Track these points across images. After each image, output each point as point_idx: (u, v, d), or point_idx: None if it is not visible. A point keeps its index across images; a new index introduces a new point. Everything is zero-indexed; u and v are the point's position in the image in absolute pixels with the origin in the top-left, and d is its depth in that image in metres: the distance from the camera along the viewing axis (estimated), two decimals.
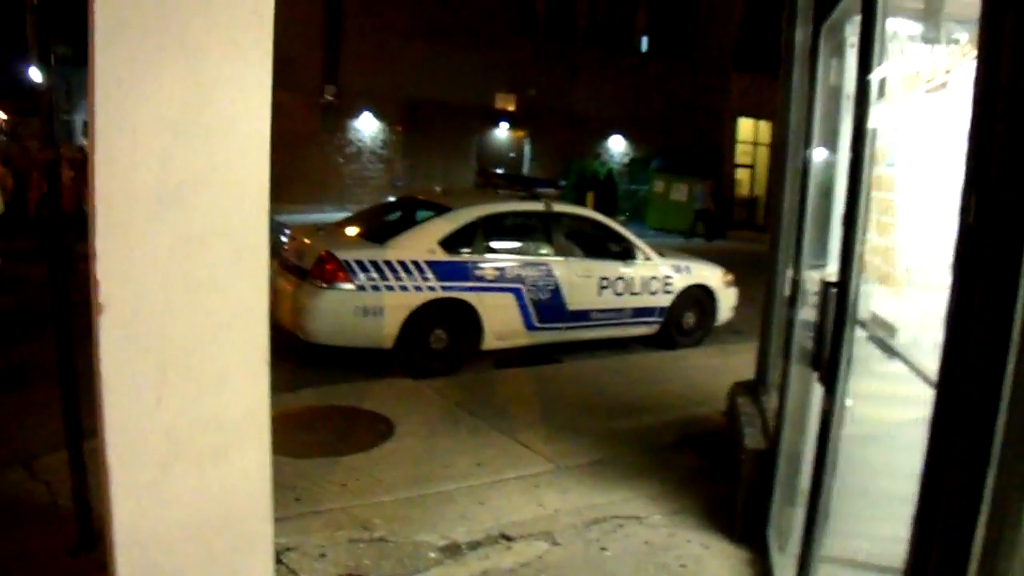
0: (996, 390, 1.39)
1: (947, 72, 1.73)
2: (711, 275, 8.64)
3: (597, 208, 20.73)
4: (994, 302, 1.37)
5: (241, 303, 2.82)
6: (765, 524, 3.61)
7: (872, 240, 2.30)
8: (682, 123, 25.00)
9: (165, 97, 2.57)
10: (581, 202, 21.27)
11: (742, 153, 26.20)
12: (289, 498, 4.08)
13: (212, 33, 2.62)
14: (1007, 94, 1.34)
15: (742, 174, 26.26)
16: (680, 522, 4.00)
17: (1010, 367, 1.37)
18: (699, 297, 8.53)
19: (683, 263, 8.49)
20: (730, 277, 8.78)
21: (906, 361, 1.93)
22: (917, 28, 2.24)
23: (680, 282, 8.29)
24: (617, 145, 25.47)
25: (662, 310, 8.18)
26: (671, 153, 24.06)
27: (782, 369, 3.74)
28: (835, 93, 3.37)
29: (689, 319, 8.50)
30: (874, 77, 2.29)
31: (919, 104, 1.97)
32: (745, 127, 26.02)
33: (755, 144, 25.89)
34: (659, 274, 8.13)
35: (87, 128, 2.64)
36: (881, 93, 2.29)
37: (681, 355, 7.90)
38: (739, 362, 6.36)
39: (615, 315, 7.88)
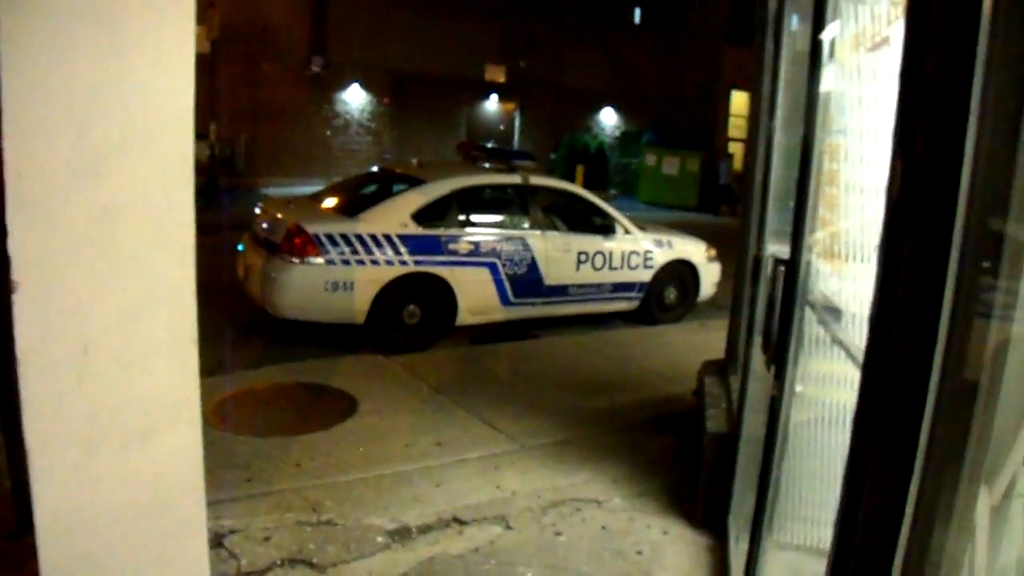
0: (924, 377, 1.26)
1: (888, 25, 1.58)
2: (694, 250, 8.50)
3: (587, 181, 20.65)
4: (921, 286, 1.23)
5: (165, 279, 2.68)
6: (727, 510, 3.50)
7: (819, 214, 2.16)
8: (675, 96, 24.71)
9: (80, 62, 2.42)
10: (571, 175, 21.10)
11: (735, 127, 25.87)
12: (241, 478, 3.97)
13: None
14: (937, 46, 1.19)
15: (735, 148, 25.98)
16: (641, 506, 3.89)
17: (938, 356, 1.23)
18: (681, 272, 8.40)
19: (665, 237, 8.35)
20: (713, 252, 8.64)
21: (844, 347, 1.80)
22: None
23: (661, 257, 8.15)
24: (609, 118, 25.20)
25: (642, 285, 8.05)
26: (663, 127, 23.82)
27: (745, 349, 3.61)
28: (801, 59, 3.21)
29: (670, 294, 8.38)
30: (825, 36, 2.14)
31: (862, 64, 1.83)
32: (738, 101, 25.68)
33: (748, 118, 25.59)
34: (639, 249, 7.99)
35: None
36: (832, 54, 2.14)
37: (660, 331, 7.78)
38: (719, 339, 6.21)
39: (594, 290, 7.75)
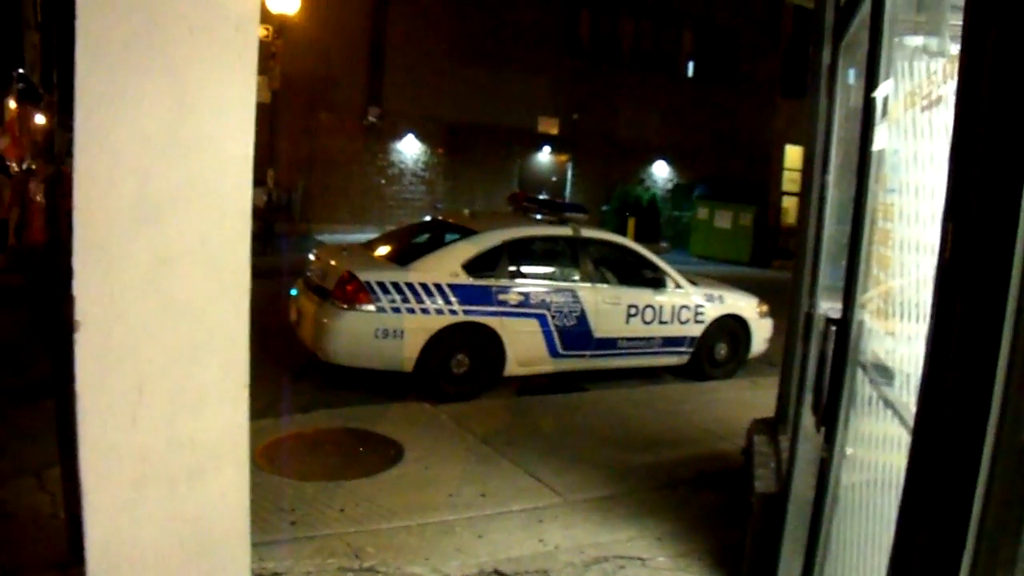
0: (977, 444, 1.23)
1: (941, 85, 1.57)
2: (745, 305, 8.40)
3: (639, 234, 20.65)
4: (973, 350, 1.20)
5: (220, 324, 2.75)
6: (774, 574, 3.40)
7: (872, 273, 2.13)
8: (728, 149, 24.68)
9: (146, 114, 2.53)
10: (623, 228, 21.11)
11: (789, 181, 25.69)
12: (285, 521, 3.99)
13: (195, 50, 2.57)
14: (990, 108, 1.18)
15: (788, 202, 25.74)
16: (686, 566, 3.81)
17: (992, 419, 1.20)
18: (732, 327, 8.29)
19: (716, 292, 8.27)
20: (765, 307, 8.52)
21: (895, 409, 1.76)
22: (930, 43, 2.08)
23: (712, 311, 8.06)
24: (661, 171, 25.24)
25: (692, 340, 7.96)
26: (716, 180, 23.76)
27: (795, 408, 3.54)
28: (855, 115, 3.20)
29: (721, 350, 8.27)
30: (879, 94, 2.13)
31: (916, 122, 1.81)
32: (793, 154, 25.50)
33: (801, 172, 25.33)
34: (690, 303, 7.92)
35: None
36: (885, 112, 2.13)
37: (710, 387, 7.67)
38: (770, 396, 6.10)
39: (643, 344, 7.69)
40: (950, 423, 1.25)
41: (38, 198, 6.47)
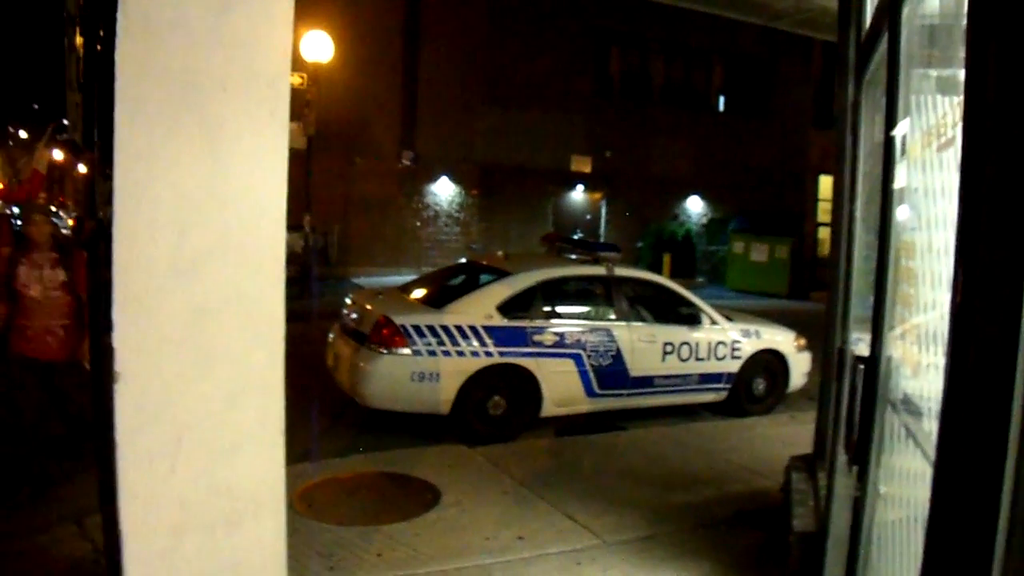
0: (996, 487, 1.22)
1: (953, 126, 1.59)
2: (782, 339, 8.32)
3: (674, 270, 20.60)
4: (988, 397, 1.21)
5: (256, 373, 2.81)
6: None
7: (897, 312, 2.13)
8: (761, 182, 24.59)
9: (183, 170, 2.62)
10: (658, 264, 21.07)
11: (824, 212, 25.50)
12: (323, 567, 4.01)
13: (229, 108, 2.67)
14: (995, 153, 1.20)
15: (824, 233, 25.52)
16: None
17: (1009, 463, 1.20)
18: (769, 362, 8.21)
19: (752, 327, 8.20)
20: (802, 341, 8.43)
21: (922, 448, 1.74)
22: (943, 75, 2.09)
23: (749, 347, 8.00)
24: (695, 206, 25.20)
25: (730, 376, 7.90)
26: (751, 213, 23.65)
27: (832, 445, 3.50)
28: (878, 151, 3.21)
29: (759, 385, 8.18)
30: (897, 133, 2.14)
31: (933, 161, 1.82)
32: (827, 185, 25.35)
33: (832, 205, 25.15)
34: (726, 339, 7.87)
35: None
36: (904, 151, 2.14)
37: (749, 423, 7.57)
38: (809, 432, 6.03)
39: (680, 381, 7.64)
40: (970, 458, 1.25)
41: (31, 291, 5.00)
